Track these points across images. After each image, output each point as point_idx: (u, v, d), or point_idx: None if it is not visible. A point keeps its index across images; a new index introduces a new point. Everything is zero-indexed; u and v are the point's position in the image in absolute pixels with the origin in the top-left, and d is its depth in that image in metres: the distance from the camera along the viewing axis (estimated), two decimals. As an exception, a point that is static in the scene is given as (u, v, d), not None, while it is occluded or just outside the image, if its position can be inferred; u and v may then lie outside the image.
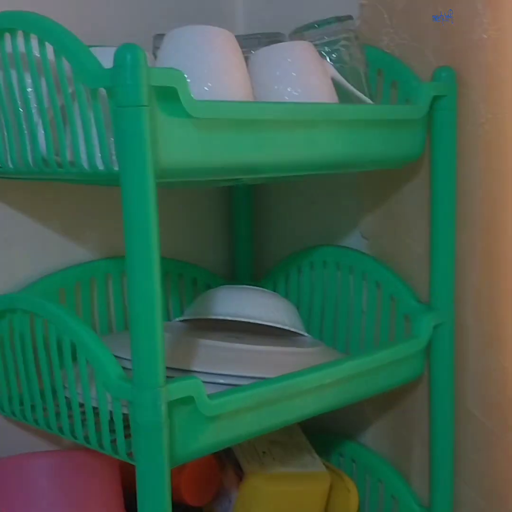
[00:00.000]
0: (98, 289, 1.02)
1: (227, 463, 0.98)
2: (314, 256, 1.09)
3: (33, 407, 0.85)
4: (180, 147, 0.69)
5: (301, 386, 0.82)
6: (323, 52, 0.90)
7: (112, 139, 0.69)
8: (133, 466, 0.72)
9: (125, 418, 0.73)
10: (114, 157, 0.70)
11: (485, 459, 0.98)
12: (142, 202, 0.66)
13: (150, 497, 0.70)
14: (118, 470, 0.92)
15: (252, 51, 0.87)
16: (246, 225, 1.17)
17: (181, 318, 1.03)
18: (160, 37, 0.91)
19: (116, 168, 0.70)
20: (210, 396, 0.73)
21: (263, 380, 0.80)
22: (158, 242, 0.67)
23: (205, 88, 0.75)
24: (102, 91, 0.68)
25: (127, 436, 0.73)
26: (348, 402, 0.89)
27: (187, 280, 1.12)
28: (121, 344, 0.83)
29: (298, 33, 0.93)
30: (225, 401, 0.75)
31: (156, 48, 0.93)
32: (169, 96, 0.67)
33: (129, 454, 0.74)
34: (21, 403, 0.87)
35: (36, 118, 0.76)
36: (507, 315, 0.94)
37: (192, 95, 0.69)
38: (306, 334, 1.00)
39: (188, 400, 0.71)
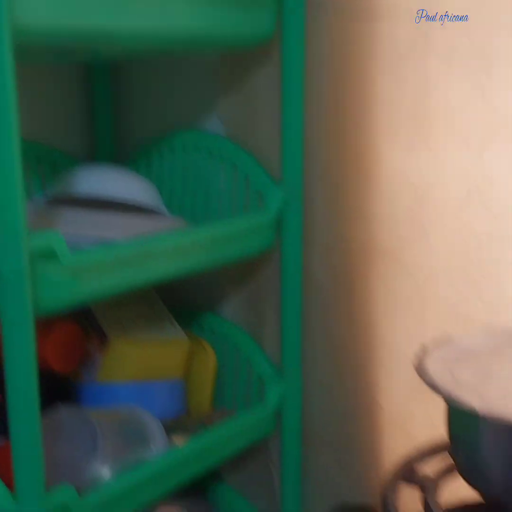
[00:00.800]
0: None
1: (90, 330, 1.03)
2: (174, 140, 1.13)
3: None
4: (37, 4, 0.70)
5: (157, 247, 0.87)
6: None
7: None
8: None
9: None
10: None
11: (330, 322, 1.07)
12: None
13: (16, 349, 0.74)
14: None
15: None
16: (105, 108, 1.18)
17: (44, 198, 1.05)
18: None
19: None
20: (71, 251, 0.77)
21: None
22: (18, 111, 0.69)
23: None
24: None
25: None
26: (203, 268, 0.95)
27: (46, 164, 1.12)
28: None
29: None
30: (84, 254, 0.79)
31: None
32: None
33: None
34: None
35: None
36: (350, 190, 1.02)
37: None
38: (166, 212, 1.04)
39: (50, 253, 0.75)
